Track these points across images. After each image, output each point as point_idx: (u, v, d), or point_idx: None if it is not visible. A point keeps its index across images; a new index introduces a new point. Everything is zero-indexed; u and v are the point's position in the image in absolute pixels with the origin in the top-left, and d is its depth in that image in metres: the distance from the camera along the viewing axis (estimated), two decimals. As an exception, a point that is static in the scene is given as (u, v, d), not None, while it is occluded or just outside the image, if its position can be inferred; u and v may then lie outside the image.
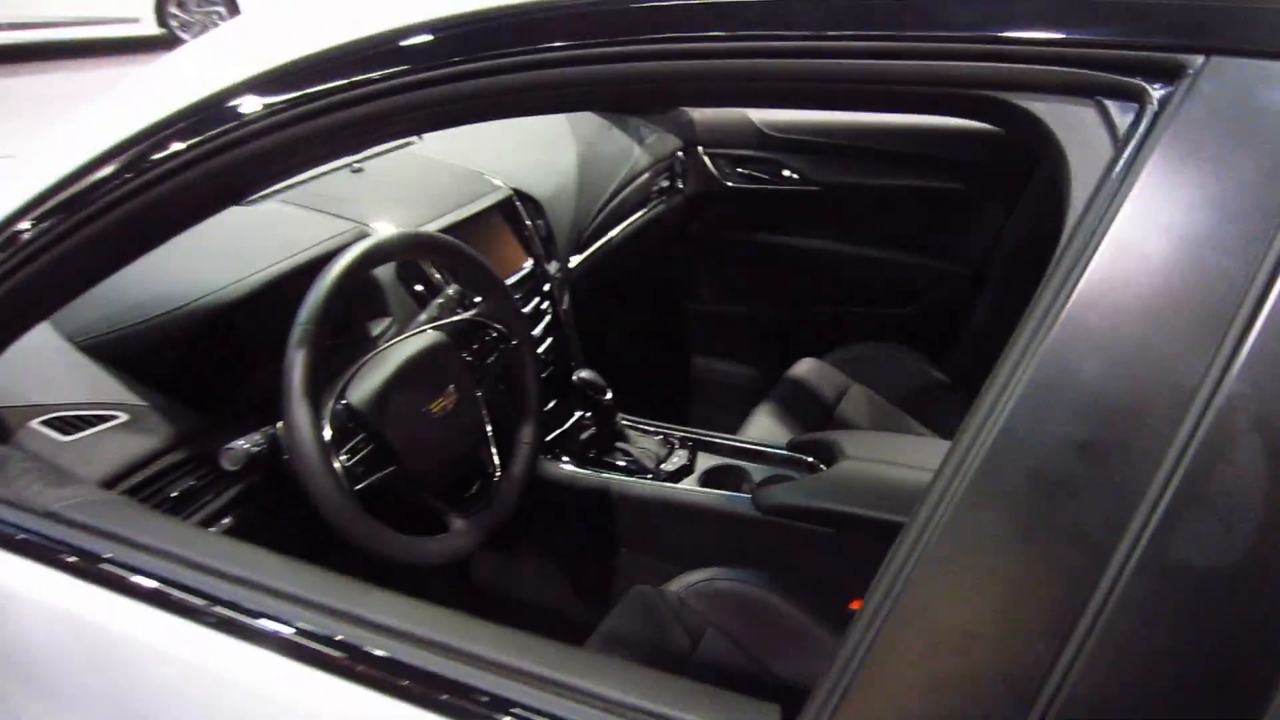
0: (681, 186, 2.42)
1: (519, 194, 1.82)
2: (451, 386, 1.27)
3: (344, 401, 1.17)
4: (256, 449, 1.15)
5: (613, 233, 2.11)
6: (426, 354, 1.26)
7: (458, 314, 1.38)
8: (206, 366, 1.28)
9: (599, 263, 2.05)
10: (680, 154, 2.39)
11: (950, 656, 0.51)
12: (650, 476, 1.69)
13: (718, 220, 2.52)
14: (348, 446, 1.15)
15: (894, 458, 1.62)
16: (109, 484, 1.08)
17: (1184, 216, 0.50)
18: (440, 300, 1.43)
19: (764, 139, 2.35)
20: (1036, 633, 0.49)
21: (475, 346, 1.37)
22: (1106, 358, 0.49)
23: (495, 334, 1.39)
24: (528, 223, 1.80)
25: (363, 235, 1.42)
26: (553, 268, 1.85)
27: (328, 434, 1.11)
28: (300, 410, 1.06)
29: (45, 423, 1.06)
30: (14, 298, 0.88)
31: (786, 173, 2.35)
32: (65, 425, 1.08)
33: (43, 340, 1.12)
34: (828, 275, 2.45)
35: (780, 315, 2.55)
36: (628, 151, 2.23)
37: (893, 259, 2.37)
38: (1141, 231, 0.50)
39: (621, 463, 1.71)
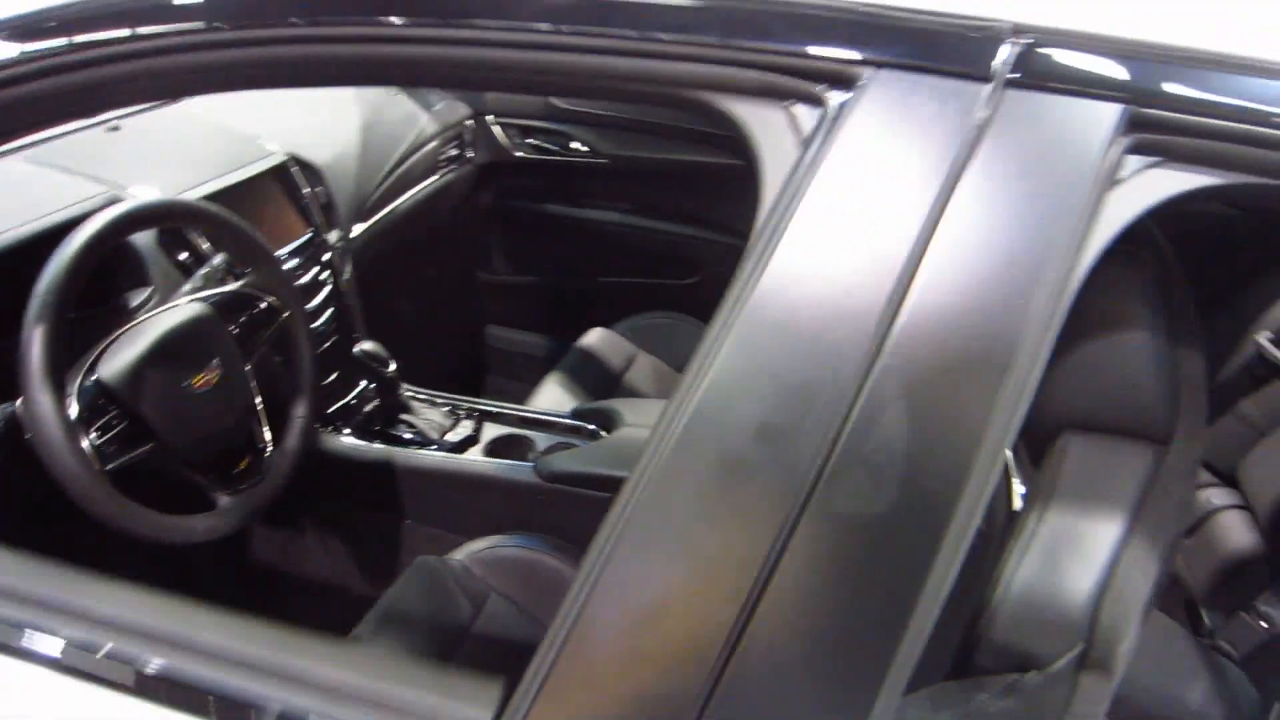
0: (471, 155, 2.41)
1: (295, 160, 1.76)
2: (216, 360, 1.23)
3: (94, 377, 1.12)
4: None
5: (398, 201, 2.08)
6: (187, 326, 1.22)
7: (225, 285, 1.34)
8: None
9: (383, 232, 2.02)
10: (469, 122, 2.38)
11: (644, 632, 0.57)
12: (435, 447, 1.70)
13: (507, 190, 2.54)
14: (98, 424, 1.10)
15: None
16: None
17: (854, 212, 0.58)
18: (205, 270, 1.37)
19: (552, 110, 2.38)
20: (718, 601, 0.55)
21: (244, 319, 1.33)
22: (784, 344, 0.56)
23: (265, 306, 1.35)
24: (305, 190, 1.75)
25: (115, 200, 1.34)
26: (333, 237, 1.81)
27: (74, 411, 1.06)
28: (40, 388, 1.01)
29: None
30: None
31: (575, 144, 2.39)
32: None
33: None
34: (617, 246, 2.52)
35: (571, 285, 2.60)
36: (414, 118, 2.19)
37: (678, 231, 2.47)
38: (817, 227, 0.58)
39: (406, 435, 1.71)
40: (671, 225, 2.48)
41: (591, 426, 1.73)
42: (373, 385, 1.74)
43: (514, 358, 2.65)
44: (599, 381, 2.17)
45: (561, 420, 1.78)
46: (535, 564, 1.54)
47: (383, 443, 1.68)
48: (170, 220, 1.33)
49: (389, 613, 1.38)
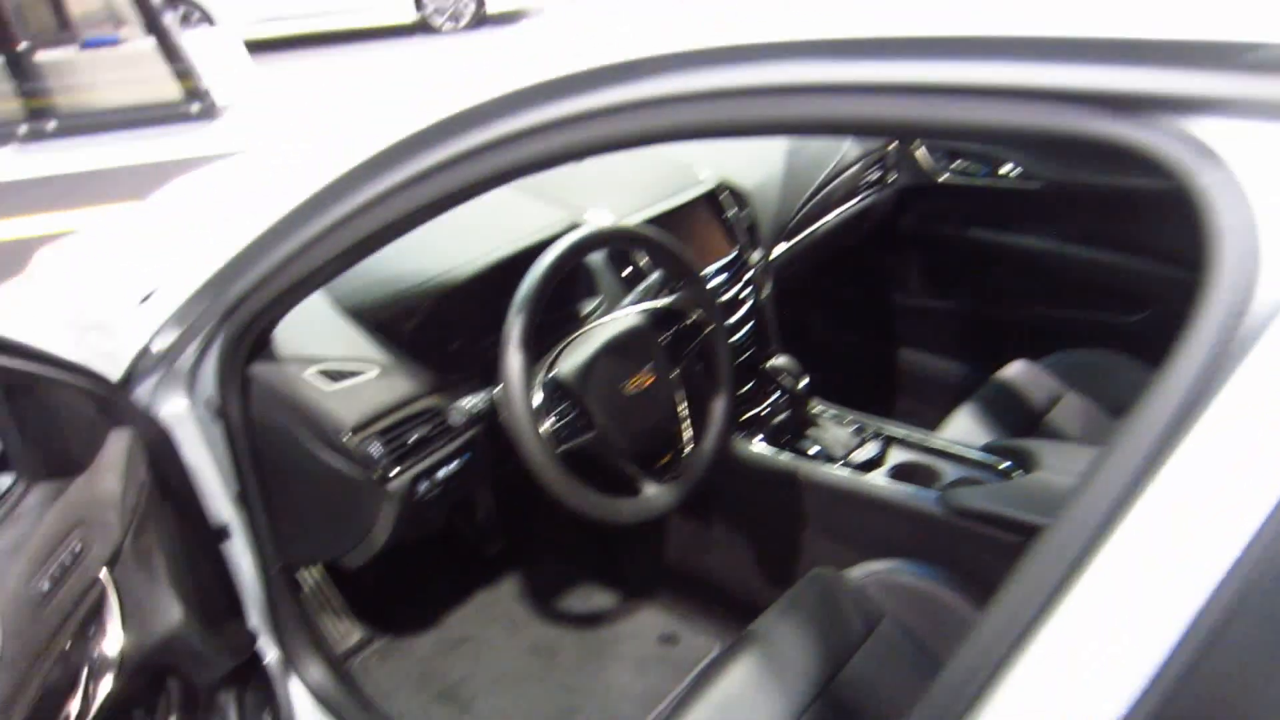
0: (894, 179, 2.41)
1: (725, 185, 1.91)
2: (649, 365, 1.39)
3: (552, 374, 1.32)
4: (477, 409, 1.32)
5: (819, 223, 2.15)
6: (628, 334, 1.38)
7: (660, 300, 1.49)
8: (442, 333, 1.46)
9: (804, 252, 2.10)
10: (892, 146, 2.38)
11: None
12: (839, 465, 1.73)
13: (930, 213, 2.49)
14: (554, 412, 1.30)
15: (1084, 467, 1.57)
16: (361, 427, 1.28)
17: None
18: (643, 286, 1.54)
19: (981, 132, 2.30)
20: None
21: (674, 330, 1.47)
22: None
23: (693, 320, 1.49)
24: (732, 212, 1.89)
25: (575, 225, 1.56)
26: (756, 256, 1.93)
27: (538, 399, 1.26)
28: (515, 375, 1.21)
29: (318, 373, 1.27)
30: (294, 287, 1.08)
31: (1005, 168, 2.29)
32: (332, 376, 1.28)
33: (316, 304, 1.33)
34: (1046, 275, 2.36)
35: (993, 313, 2.48)
36: (837, 143, 2.25)
37: (1120, 262, 2.25)
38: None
39: (812, 450, 1.77)
40: (1112, 255, 2.27)
41: (1006, 464, 1.65)
42: (784, 397, 1.82)
43: (926, 383, 2.59)
44: (1017, 417, 2.05)
45: (972, 454, 1.72)
46: (933, 595, 1.51)
47: (790, 454, 1.75)
48: (617, 243, 1.52)
49: (782, 616, 1.43)
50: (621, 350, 1.37)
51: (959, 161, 2.37)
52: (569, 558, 2.12)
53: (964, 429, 1.98)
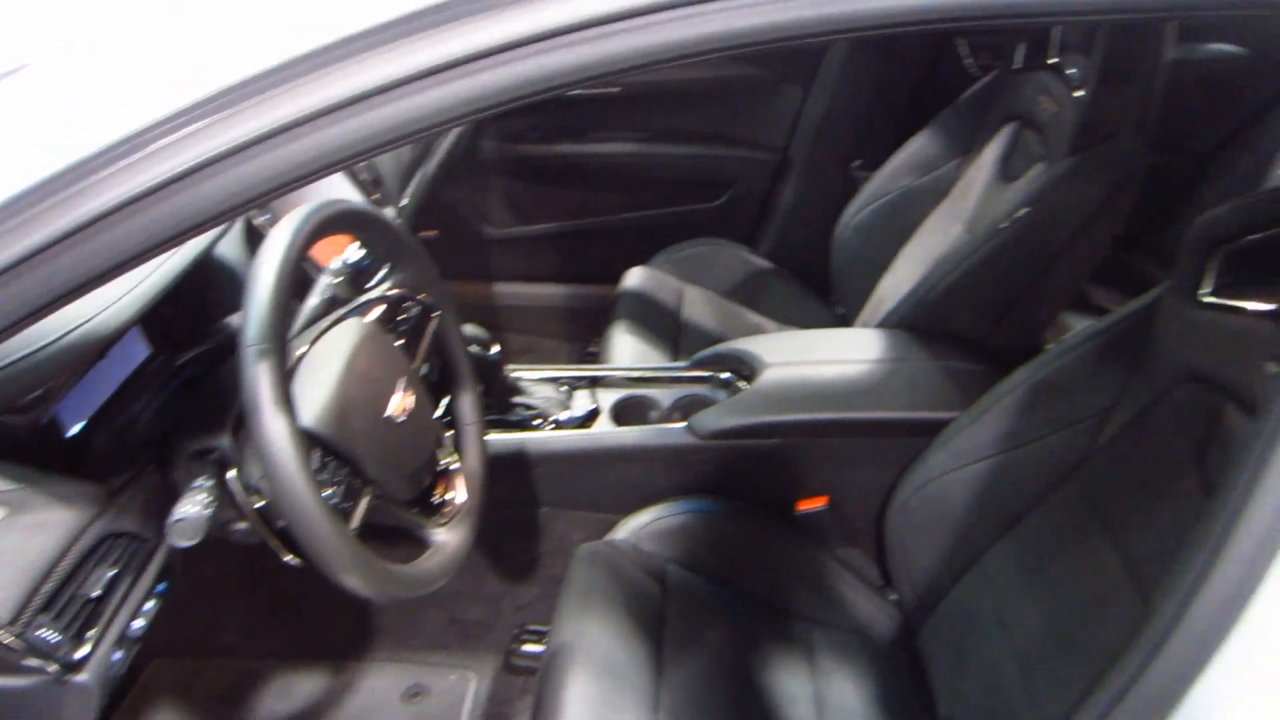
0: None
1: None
2: (402, 381, 1.07)
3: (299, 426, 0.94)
4: (211, 509, 0.90)
5: (428, 161, 1.88)
6: (365, 344, 1.04)
7: (367, 291, 1.15)
8: (99, 415, 0.98)
9: (422, 199, 1.82)
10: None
11: None
12: (553, 426, 1.56)
13: (509, 134, 2.34)
14: (323, 480, 0.93)
15: (805, 356, 1.63)
16: (15, 616, 0.80)
17: None
18: (334, 279, 1.18)
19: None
20: None
21: (400, 325, 1.15)
22: None
23: (418, 307, 1.18)
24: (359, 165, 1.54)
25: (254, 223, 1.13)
26: (391, 212, 1.61)
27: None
28: (285, 446, 0.83)
29: None
30: None
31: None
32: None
33: None
34: (636, 179, 2.37)
35: (591, 227, 2.44)
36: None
37: (700, 153, 2.34)
38: None
39: (521, 417, 1.57)
40: (693, 148, 2.34)
41: (725, 375, 1.62)
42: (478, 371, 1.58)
43: (550, 314, 2.49)
44: (661, 322, 2.06)
45: (682, 374, 1.67)
46: (706, 527, 1.46)
47: (505, 431, 1.53)
48: (356, 222, 1.09)
49: (580, 609, 1.27)
50: (365, 369, 1.02)
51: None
52: (271, 649, 1.67)
53: (632, 350, 1.93)
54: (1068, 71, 1.60)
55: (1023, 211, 1.50)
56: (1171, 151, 2.19)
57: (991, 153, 1.83)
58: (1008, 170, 1.78)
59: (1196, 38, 2.20)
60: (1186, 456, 0.97)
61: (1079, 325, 1.33)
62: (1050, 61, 1.67)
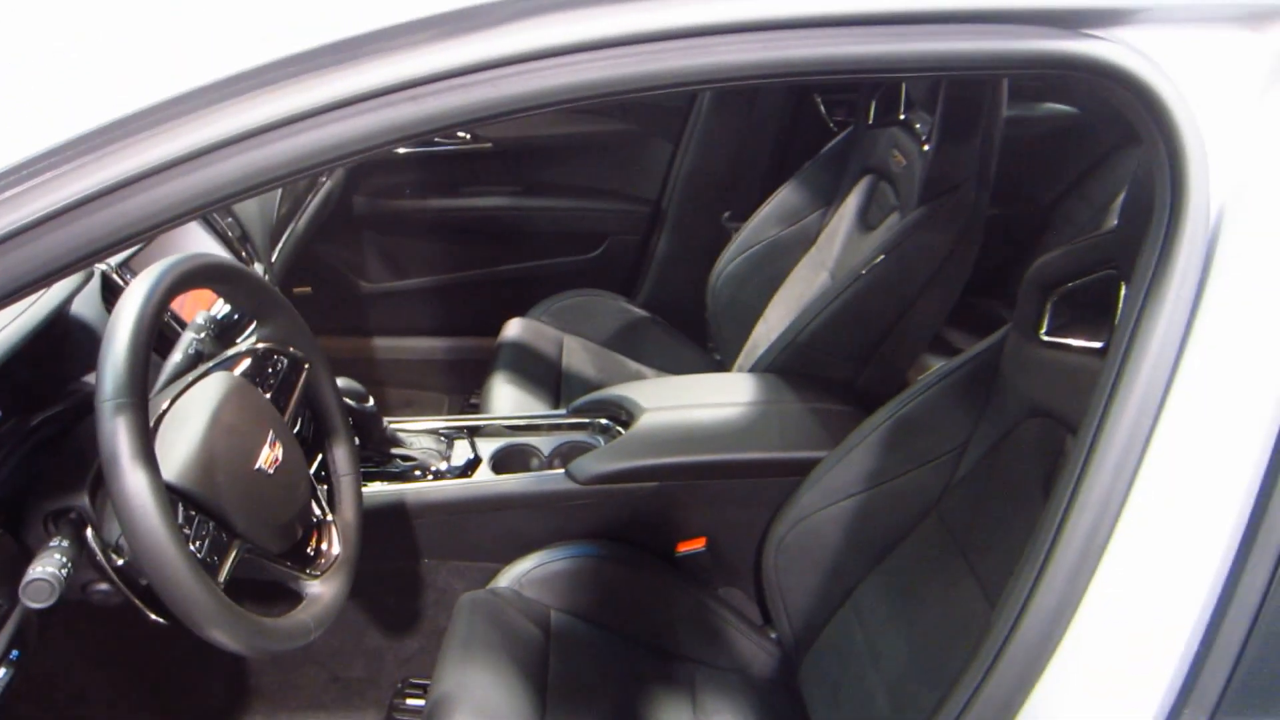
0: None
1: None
2: (271, 433, 1.05)
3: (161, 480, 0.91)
4: (64, 569, 0.86)
5: (296, 219, 1.85)
6: (231, 396, 1.02)
7: (237, 345, 1.13)
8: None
9: (292, 256, 1.80)
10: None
11: None
12: (433, 477, 1.55)
13: (383, 189, 2.33)
14: (191, 536, 0.91)
15: (681, 401, 1.66)
16: None
17: None
18: (198, 334, 1.15)
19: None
20: None
21: (271, 380, 1.13)
22: None
23: (286, 361, 1.16)
24: (227, 221, 1.52)
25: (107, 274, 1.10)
26: (259, 269, 1.58)
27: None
28: (148, 501, 0.81)
29: None
30: None
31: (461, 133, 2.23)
32: None
33: None
34: (513, 232, 2.40)
35: (469, 279, 2.45)
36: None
37: (576, 206, 2.38)
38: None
39: (401, 468, 1.55)
40: (568, 201, 2.39)
41: (602, 420, 1.64)
42: (354, 424, 1.55)
43: (412, 366, 2.46)
44: (542, 372, 2.07)
45: (562, 421, 1.68)
46: (588, 571, 1.46)
47: (384, 483, 1.51)
48: (213, 276, 1.06)
49: (462, 658, 1.26)
50: (232, 421, 1.00)
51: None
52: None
53: (509, 399, 1.94)
54: (916, 126, 1.72)
55: (879, 259, 1.59)
56: (1017, 203, 2.36)
57: (852, 203, 1.94)
58: (867, 220, 1.88)
59: (1035, 98, 2.39)
60: (1035, 488, 1.04)
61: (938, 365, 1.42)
62: (900, 117, 1.79)
